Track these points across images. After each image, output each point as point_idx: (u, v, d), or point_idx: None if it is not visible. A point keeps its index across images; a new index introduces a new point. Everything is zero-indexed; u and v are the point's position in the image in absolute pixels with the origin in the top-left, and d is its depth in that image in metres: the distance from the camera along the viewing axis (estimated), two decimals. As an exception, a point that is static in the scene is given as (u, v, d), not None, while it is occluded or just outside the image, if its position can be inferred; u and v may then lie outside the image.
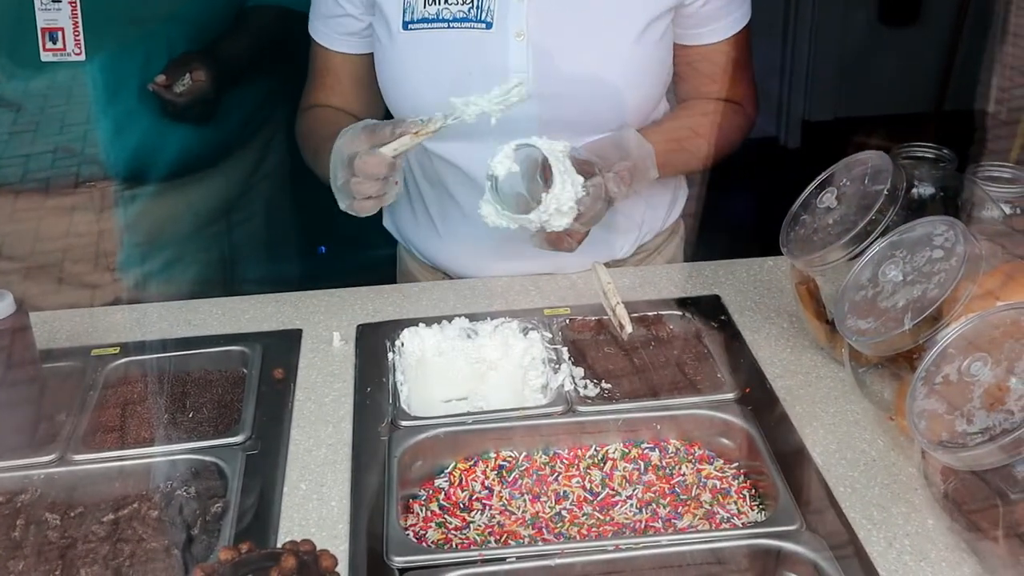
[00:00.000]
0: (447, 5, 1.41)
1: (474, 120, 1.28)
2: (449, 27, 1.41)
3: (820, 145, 1.45)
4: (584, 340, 1.42)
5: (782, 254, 1.33)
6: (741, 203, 1.89)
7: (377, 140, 1.29)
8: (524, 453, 1.23)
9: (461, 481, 1.20)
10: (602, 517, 1.15)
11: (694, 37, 1.51)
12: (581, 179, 1.29)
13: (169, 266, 1.83)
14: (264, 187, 1.99)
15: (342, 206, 1.35)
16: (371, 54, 1.53)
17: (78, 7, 1.64)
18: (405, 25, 1.42)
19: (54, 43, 1.65)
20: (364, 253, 1.92)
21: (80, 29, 1.65)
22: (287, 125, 2.04)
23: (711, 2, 1.47)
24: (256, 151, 1.97)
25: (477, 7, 1.40)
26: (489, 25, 1.40)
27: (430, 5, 1.42)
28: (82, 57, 1.66)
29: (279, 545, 1.03)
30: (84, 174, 1.75)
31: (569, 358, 1.35)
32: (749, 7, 1.53)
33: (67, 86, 1.71)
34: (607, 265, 1.55)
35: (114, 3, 1.67)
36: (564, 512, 1.16)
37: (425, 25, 1.42)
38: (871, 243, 1.21)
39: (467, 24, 1.41)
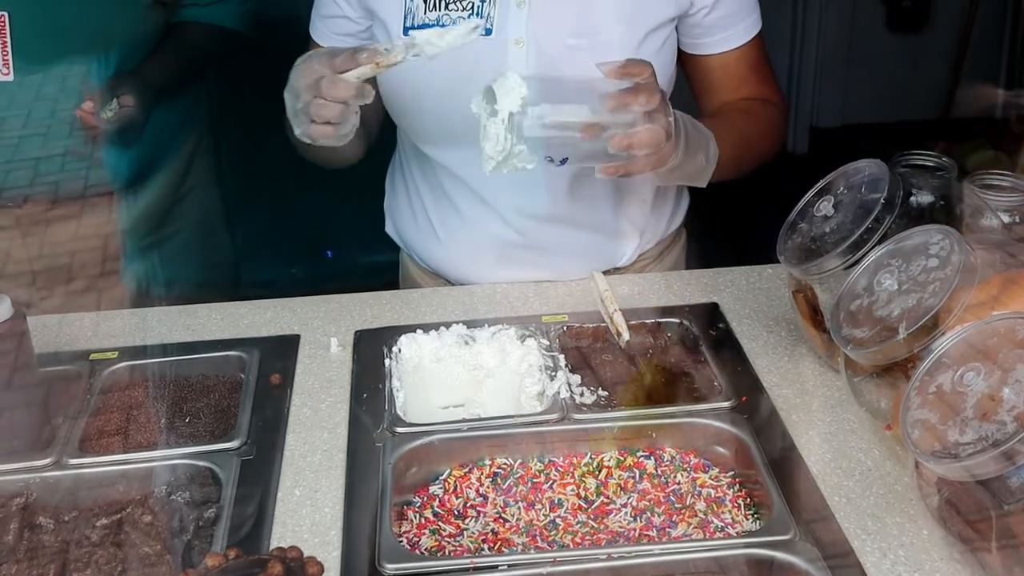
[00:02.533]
0: (447, 11, 1.41)
1: (431, 57, 1.25)
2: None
3: (827, 151, 1.45)
4: (582, 347, 1.42)
5: (780, 263, 1.33)
6: (746, 210, 1.89)
7: (338, 66, 1.26)
8: (519, 460, 1.23)
9: (456, 488, 1.20)
10: (596, 525, 1.15)
11: (705, 47, 1.51)
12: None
13: (98, 279, 1.84)
14: (192, 199, 2.00)
15: (297, 132, 1.31)
16: None
17: (7, 27, 1.65)
18: (405, 31, 1.43)
19: None
20: (368, 258, 1.93)
21: (8, 49, 1.65)
22: (212, 137, 2.08)
23: (716, 11, 1.47)
24: (182, 165, 1.98)
25: (477, 14, 1.41)
26: (489, 32, 1.41)
27: (431, 11, 1.42)
28: (10, 77, 1.66)
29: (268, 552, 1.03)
30: (5, 194, 1.76)
31: (566, 365, 1.35)
32: (759, 15, 1.53)
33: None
34: (608, 273, 1.56)
35: (42, 23, 1.68)
36: (558, 520, 1.16)
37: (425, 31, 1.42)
38: (867, 252, 1.21)
39: None
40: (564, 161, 1.31)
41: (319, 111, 1.28)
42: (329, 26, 1.53)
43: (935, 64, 4.10)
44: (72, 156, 1.80)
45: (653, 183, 1.56)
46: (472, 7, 1.41)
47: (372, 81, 1.53)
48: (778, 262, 1.33)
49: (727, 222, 1.82)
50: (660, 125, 1.23)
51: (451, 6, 1.41)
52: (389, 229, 1.69)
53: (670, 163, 1.29)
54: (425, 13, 1.42)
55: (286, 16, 2.68)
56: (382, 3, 1.45)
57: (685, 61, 1.54)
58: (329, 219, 2.52)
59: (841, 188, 1.31)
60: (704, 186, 1.43)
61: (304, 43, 1.58)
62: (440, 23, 1.41)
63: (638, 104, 1.21)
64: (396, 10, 1.44)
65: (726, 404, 1.27)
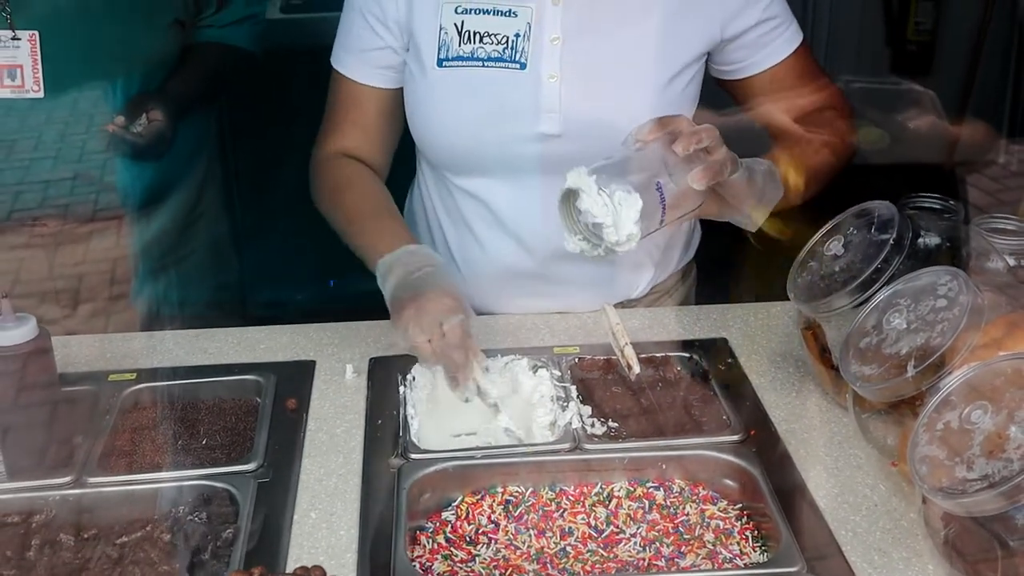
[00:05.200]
0: (482, 44, 1.44)
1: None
2: (484, 66, 1.44)
3: (833, 192, 1.47)
4: (592, 379, 1.44)
5: (789, 300, 1.35)
6: (752, 247, 1.91)
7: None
8: (531, 489, 1.25)
9: (468, 515, 1.22)
10: (606, 554, 1.17)
11: (752, 66, 1.52)
12: (636, 197, 1.19)
13: (116, 301, 1.86)
14: (205, 221, 2.03)
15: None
16: (400, 89, 1.55)
17: (37, 46, 1.68)
18: (440, 62, 1.46)
19: (12, 80, 1.69)
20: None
21: (39, 67, 1.69)
22: (224, 158, 2.11)
23: (754, 30, 1.49)
24: (197, 185, 2.01)
25: (512, 48, 1.44)
26: (523, 66, 1.44)
27: (465, 44, 1.45)
28: (40, 94, 1.69)
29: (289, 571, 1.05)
30: (33, 212, 1.78)
31: (577, 396, 1.37)
32: (797, 26, 1.53)
33: (25, 122, 1.74)
34: (620, 305, 1.59)
35: (72, 43, 1.71)
36: (568, 548, 1.18)
37: (459, 63, 1.45)
38: (876, 291, 1.23)
39: (501, 64, 1.44)
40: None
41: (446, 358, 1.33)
42: (366, 60, 1.53)
43: (940, 107, 4.13)
44: (85, 179, 1.83)
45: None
46: (507, 42, 1.44)
47: (398, 109, 1.55)
48: (787, 299, 1.36)
49: (737, 258, 1.84)
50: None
51: (485, 39, 1.44)
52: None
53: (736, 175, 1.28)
54: (460, 46, 1.45)
55: (294, 39, 2.75)
56: (418, 34, 1.47)
57: (733, 87, 1.55)
58: (340, 246, 2.54)
59: (851, 228, 1.33)
60: (754, 230, 1.40)
61: (317, 67, 1.60)
62: (475, 56, 1.44)
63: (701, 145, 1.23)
64: (430, 43, 1.46)
65: (735, 438, 1.29)
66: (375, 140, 1.58)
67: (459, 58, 1.45)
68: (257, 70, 2.10)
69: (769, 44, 1.51)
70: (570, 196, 1.22)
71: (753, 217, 1.38)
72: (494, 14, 1.44)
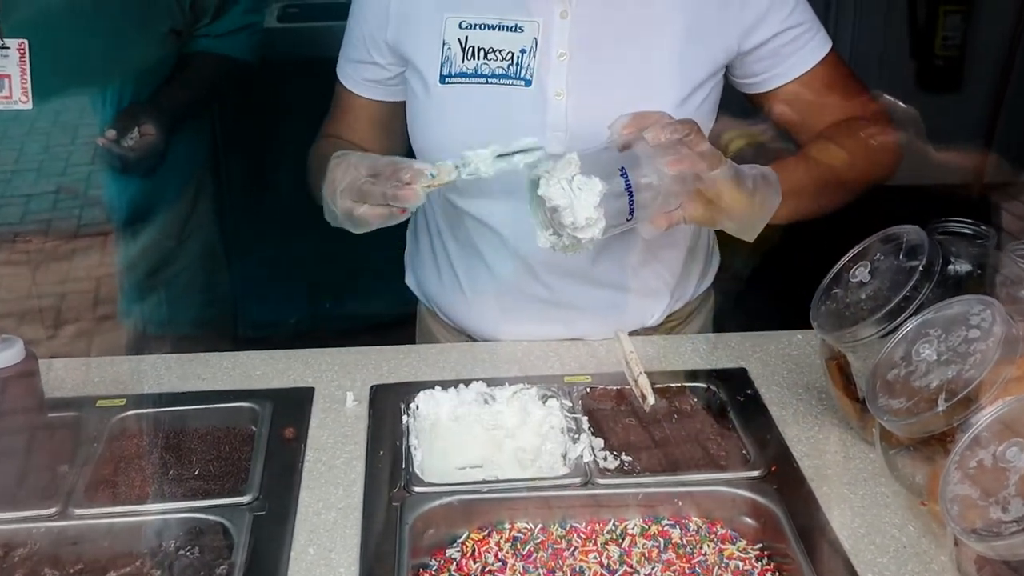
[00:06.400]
0: (486, 61, 1.46)
1: (490, 174, 1.30)
2: (487, 83, 1.46)
3: (857, 214, 1.47)
4: (604, 410, 1.44)
5: (812, 328, 1.35)
6: (777, 272, 1.92)
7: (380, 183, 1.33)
8: (540, 525, 1.25)
9: (474, 552, 1.22)
10: (619, 595, 1.17)
11: (776, 78, 1.51)
12: (596, 181, 1.25)
13: (101, 321, 1.87)
14: (196, 238, 2.05)
15: (339, 220, 1.38)
16: (395, 103, 1.58)
17: (26, 55, 1.70)
18: (442, 79, 1.47)
19: (0, 90, 1.70)
20: (382, 309, 1.96)
21: (28, 77, 1.70)
22: (216, 172, 2.11)
23: (776, 39, 1.48)
24: (188, 201, 2.02)
25: (517, 64, 1.45)
26: (528, 83, 1.45)
27: (469, 60, 1.46)
28: (29, 105, 1.71)
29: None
30: (15, 228, 1.80)
31: (589, 428, 1.37)
32: (825, 33, 1.53)
33: (8, 133, 1.75)
34: (636, 334, 1.59)
35: (61, 52, 1.73)
36: (580, 588, 1.18)
37: (463, 79, 1.46)
38: (905, 320, 1.23)
39: (506, 81, 1.45)
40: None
41: (372, 214, 1.33)
42: (358, 71, 1.58)
43: (969, 127, 4.13)
44: (69, 193, 1.84)
45: (687, 241, 1.59)
46: (511, 58, 1.45)
47: (392, 121, 1.57)
48: (809, 327, 1.36)
49: (757, 284, 1.84)
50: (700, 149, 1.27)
51: (490, 55, 1.45)
52: (409, 281, 1.73)
53: (723, 173, 1.29)
54: (463, 62, 1.46)
55: (291, 48, 2.77)
56: (417, 50, 1.50)
57: (759, 100, 1.55)
58: (340, 266, 2.56)
59: (878, 254, 1.33)
60: (751, 240, 1.41)
61: (315, 77, 1.62)
62: (478, 72, 1.46)
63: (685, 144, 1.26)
64: (432, 58, 1.48)
65: (754, 473, 1.29)
66: (364, 144, 1.60)
67: (462, 75, 1.46)
68: (253, 81, 2.12)
69: (793, 54, 1.50)
70: (535, 189, 1.27)
71: (745, 225, 1.37)
72: (499, 29, 1.45)
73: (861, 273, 1.33)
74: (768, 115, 1.55)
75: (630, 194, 1.25)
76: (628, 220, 1.28)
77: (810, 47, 1.51)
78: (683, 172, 1.27)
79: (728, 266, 1.73)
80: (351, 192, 1.34)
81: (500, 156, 1.30)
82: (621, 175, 1.25)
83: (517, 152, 1.30)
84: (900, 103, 1.64)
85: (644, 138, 1.26)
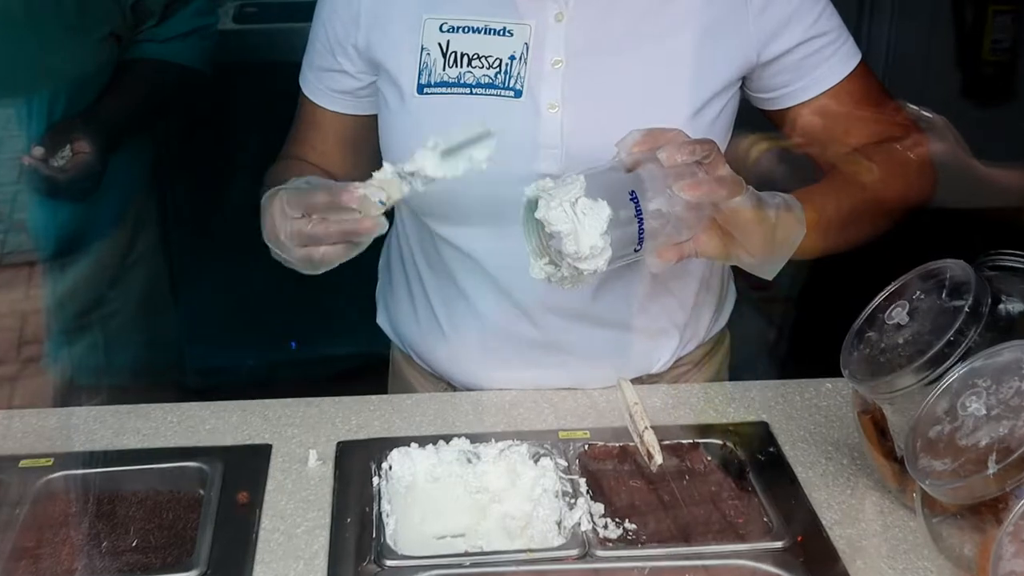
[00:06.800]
0: (470, 69, 1.46)
1: (442, 176, 1.30)
2: (472, 93, 1.46)
3: (893, 245, 1.47)
4: (605, 470, 1.44)
5: (843, 376, 1.36)
6: (802, 312, 1.92)
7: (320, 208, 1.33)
8: (531, 604, 1.25)
9: (455, 636, 1.22)
10: None
11: (798, 93, 1.52)
12: (604, 205, 1.25)
13: (25, 366, 1.86)
14: (138, 271, 2.05)
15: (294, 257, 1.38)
16: (366, 116, 1.59)
17: None
18: (420, 88, 1.48)
19: None
20: (349, 352, 1.96)
21: None
22: (162, 196, 2.10)
23: (802, 47, 1.49)
24: (129, 228, 2.02)
25: (505, 73, 1.46)
26: (518, 94, 1.46)
27: (450, 67, 1.47)
28: None
29: None
30: None
31: (587, 491, 1.37)
32: (853, 43, 1.54)
33: None
34: (639, 380, 1.59)
35: None
36: None
37: (444, 90, 1.47)
38: (949, 369, 1.23)
39: (493, 91, 1.46)
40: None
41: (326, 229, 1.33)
42: (324, 81, 1.59)
43: (1022, 140, 4.15)
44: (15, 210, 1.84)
45: (700, 273, 1.60)
46: (499, 65, 1.46)
47: (362, 137, 1.58)
48: (840, 376, 1.36)
49: (779, 325, 1.85)
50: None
51: (474, 63, 1.46)
52: (381, 321, 1.73)
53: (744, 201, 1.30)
54: (444, 70, 1.47)
55: (248, 52, 2.78)
56: (393, 57, 1.50)
57: (778, 118, 1.56)
58: (302, 304, 2.56)
59: (917, 292, 1.34)
60: (771, 278, 1.42)
61: (275, 84, 1.62)
62: (461, 81, 1.46)
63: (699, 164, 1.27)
64: (409, 66, 1.49)
65: (778, 544, 1.29)
66: (335, 168, 1.62)
67: (443, 84, 1.47)
68: (205, 90, 2.12)
69: (818, 67, 1.51)
70: (532, 211, 1.26)
71: (765, 261, 1.38)
72: (486, 33, 1.46)
73: (898, 314, 1.33)
74: (787, 135, 1.56)
75: (640, 222, 1.26)
76: (636, 251, 1.28)
77: (837, 58, 1.52)
78: (699, 199, 1.27)
79: (746, 303, 1.74)
80: (299, 238, 1.34)
81: (447, 152, 1.30)
82: (631, 200, 1.25)
83: (466, 145, 1.30)
84: (926, 112, 1.65)
85: (655, 158, 1.26)
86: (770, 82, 1.53)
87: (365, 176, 1.44)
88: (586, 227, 1.23)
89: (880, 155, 1.53)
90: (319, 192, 1.34)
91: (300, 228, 1.33)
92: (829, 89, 1.53)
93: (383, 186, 1.30)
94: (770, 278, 1.40)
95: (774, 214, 1.34)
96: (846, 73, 1.53)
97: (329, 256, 1.35)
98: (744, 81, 1.54)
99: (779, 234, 1.35)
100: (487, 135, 1.29)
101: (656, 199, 1.27)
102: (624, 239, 1.26)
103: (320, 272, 1.38)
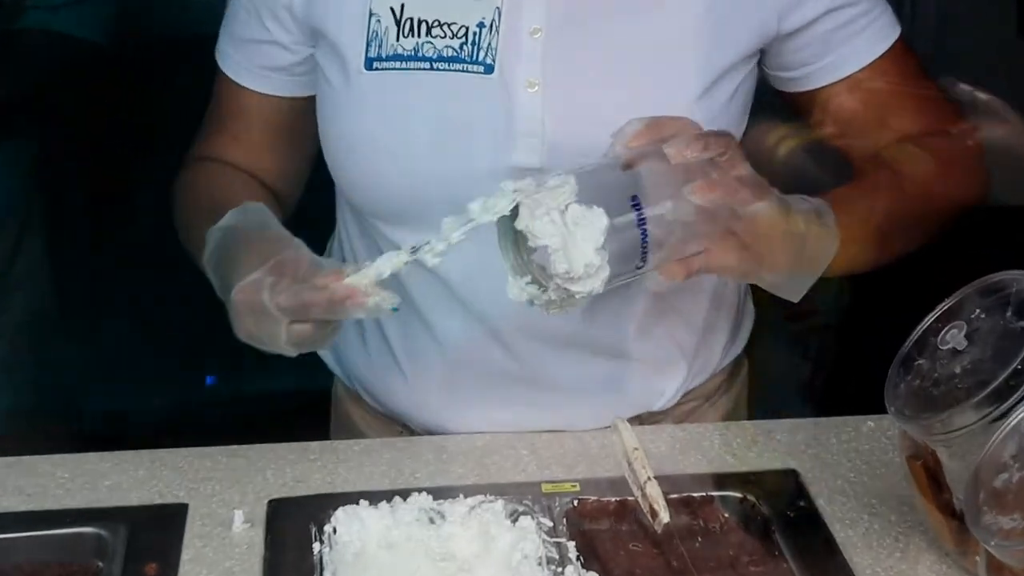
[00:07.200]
0: (429, 39, 1.45)
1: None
2: (432, 68, 1.45)
3: (950, 250, 1.47)
4: (599, 531, 1.44)
5: (887, 413, 1.35)
6: (836, 333, 1.92)
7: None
8: None
9: None
10: None
11: (824, 72, 1.54)
12: (601, 213, 1.23)
13: None
14: (20, 294, 2.03)
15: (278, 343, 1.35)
16: (303, 99, 1.59)
17: None
18: (369, 63, 1.47)
19: None
20: (283, 387, 1.95)
21: None
22: (45, 207, 2.10)
23: (831, 17, 1.50)
24: (7, 245, 2.00)
25: (473, 44, 1.45)
26: (489, 69, 1.45)
27: (406, 37, 1.46)
28: None
29: None
30: None
31: (577, 557, 1.36)
32: (892, 15, 1.55)
33: None
34: (639, 420, 1.59)
35: None
36: None
37: (398, 64, 1.46)
38: (1017, 403, 1.22)
39: (457, 66, 1.45)
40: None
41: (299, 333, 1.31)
42: (250, 55, 1.57)
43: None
44: None
45: (711, 289, 1.60)
46: (466, 34, 1.45)
47: (298, 126, 1.59)
48: (884, 412, 1.35)
49: (809, 350, 1.85)
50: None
51: (435, 31, 1.45)
52: (322, 351, 1.71)
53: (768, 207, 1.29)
54: (398, 40, 1.46)
55: (158, 23, 2.77)
56: (335, 23, 1.49)
57: (800, 102, 1.57)
58: (223, 331, 2.54)
59: (976, 311, 1.33)
60: (796, 299, 1.42)
61: (191, 61, 1.62)
62: (419, 54, 1.45)
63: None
64: (355, 35, 1.47)
65: (813, 619, 1.29)
66: (265, 164, 1.62)
67: (396, 57, 1.46)
68: (104, 68, 2.11)
69: (848, 41, 1.53)
70: (510, 219, 1.24)
71: (790, 279, 1.38)
72: None
73: (954, 337, 1.33)
74: (810, 123, 1.57)
75: (644, 233, 1.23)
76: (639, 268, 1.27)
77: (871, 32, 1.53)
78: (714, 203, 1.26)
79: (768, 324, 1.73)
80: (299, 343, 1.32)
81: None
82: (633, 206, 1.23)
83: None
84: (980, 93, 1.66)
85: (660, 153, 1.25)
86: (793, 58, 1.54)
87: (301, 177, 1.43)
88: (579, 241, 1.20)
89: (925, 148, 1.54)
90: (316, 295, 1.28)
91: (301, 331, 1.31)
92: (861, 69, 1.54)
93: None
94: (796, 300, 1.40)
95: (803, 224, 1.34)
96: (883, 49, 1.54)
97: (303, 337, 1.32)
98: (762, 57, 1.55)
99: (808, 248, 1.35)
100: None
101: (660, 203, 1.25)
102: (624, 254, 1.24)
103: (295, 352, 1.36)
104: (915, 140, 1.55)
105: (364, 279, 1.27)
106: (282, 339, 1.31)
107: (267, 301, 1.29)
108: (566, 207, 1.21)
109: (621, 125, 1.28)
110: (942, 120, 1.58)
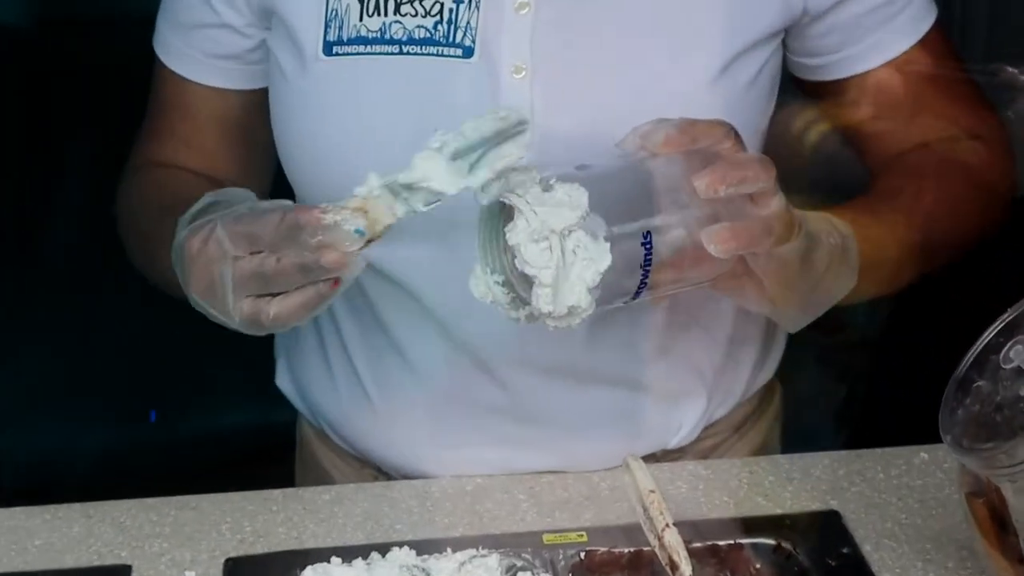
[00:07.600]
0: (398, 18, 1.45)
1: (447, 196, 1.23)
2: (402, 52, 1.46)
3: (1007, 254, 1.48)
4: (610, 587, 1.45)
5: (943, 443, 1.36)
6: (875, 354, 1.92)
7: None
8: None
9: None
10: None
11: (852, 62, 1.56)
12: (606, 250, 1.21)
13: None
14: None
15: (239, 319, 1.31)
16: (259, 92, 1.59)
17: None
18: (328, 47, 1.47)
19: None
20: (240, 432, 1.95)
21: None
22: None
23: (854, 1, 1.52)
24: None
25: (449, 22, 1.45)
26: (468, 52, 1.45)
27: (370, 16, 1.46)
28: None
29: None
30: None
31: (586, 619, 1.38)
32: None
33: None
34: (655, 458, 1.61)
35: None
36: None
37: (362, 48, 1.47)
38: (1092, 433, 1.25)
39: (431, 49, 1.45)
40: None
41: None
42: (197, 43, 1.58)
43: None
44: None
45: (734, 305, 1.60)
46: (440, 12, 1.44)
47: (254, 125, 1.60)
48: (939, 442, 1.35)
49: (850, 373, 1.85)
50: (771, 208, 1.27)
51: (403, 8, 1.45)
52: (282, 382, 1.74)
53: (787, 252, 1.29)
54: (361, 20, 1.46)
55: (91, 9, 2.77)
56: (289, 1, 1.49)
57: (822, 93, 1.59)
58: (170, 362, 2.55)
59: (1044, 324, 1.35)
60: (793, 331, 1.45)
61: (130, 47, 1.64)
62: (386, 36, 1.45)
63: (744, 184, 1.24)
64: (312, 14, 1.47)
65: None
66: (221, 169, 1.62)
67: (359, 40, 1.47)
68: (27, 55, 2.12)
69: (881, 27, 1.55)
70: (502, 215, 1.23)
71: (794, 314, 1.41)
72: None
73: (1019, 354, 1.34)
74: (831, 118, 1.61)
75: (645, 274, 1.23)
76: (625, 303, 1.27)
77: (905, 18, 1.55)
78: (737, 252, 1.25)
79: (802, 345, 1.74)
80: (246, 284, 1.25)
81: (460, 154, 1.21)
82: (644, 244, 1.22)
83: (489, 143, 1.22)
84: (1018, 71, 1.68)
85: (680, 161, 1.24)
86: (817, 44, 1.56)
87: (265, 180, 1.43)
88: (572, 276, 1.19)
89: (954, 162, 1.57)
90: (269, 216, 1.25)
91: (248, 269, 1.25)
92: (892, 60, 1.56)
93: (366, 207, 1.22)
94: (792, 331, 1.43)
95: (824, 260, 1.35)
96: (916, 39, 1.57)
97: (283, 314, 1.26)
98: (784, 40, 1.56)
99: (822, 286, 1.37)
100: (520, 126, 1.22)
101: (671, 231, 1.24)
102: (614, 292, 1.24)
103: (271, 331, 1.33)
104: (944, 148, 1.57)
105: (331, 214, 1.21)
106: (228, 280, 1.26)
107: (219, 230, 1.26)
108: (569, 232, 1.18)
109: (625, 116, 1.28)
110: (973, 121, 1.60)
